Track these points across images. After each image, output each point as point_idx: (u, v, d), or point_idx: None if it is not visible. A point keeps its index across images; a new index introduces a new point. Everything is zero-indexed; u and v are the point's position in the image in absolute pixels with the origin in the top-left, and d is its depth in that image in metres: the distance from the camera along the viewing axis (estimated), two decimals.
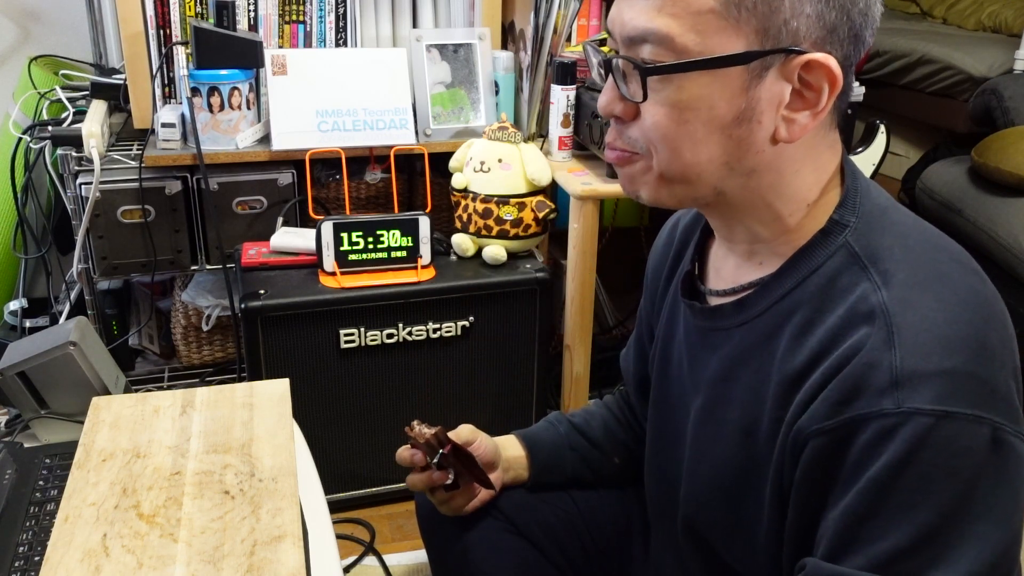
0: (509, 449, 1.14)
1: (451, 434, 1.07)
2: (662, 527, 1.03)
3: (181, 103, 1.90)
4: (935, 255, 0.76)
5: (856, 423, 0.70)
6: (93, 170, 1.77)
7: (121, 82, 1.92)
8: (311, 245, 1.72)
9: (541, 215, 1.77)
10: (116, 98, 1.95)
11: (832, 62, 0.72)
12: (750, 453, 0.81)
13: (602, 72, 0.81)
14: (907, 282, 0.73)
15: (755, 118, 0.74)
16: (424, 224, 1.73)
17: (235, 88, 1.79)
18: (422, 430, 1.01)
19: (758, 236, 0.82)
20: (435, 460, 1.02)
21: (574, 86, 1.83)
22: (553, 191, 1.92)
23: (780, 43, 0.71)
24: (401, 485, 1.08)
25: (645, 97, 0.74)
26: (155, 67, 1.86)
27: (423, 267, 1.75)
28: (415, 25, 2.03)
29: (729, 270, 0.88)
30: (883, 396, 0.69)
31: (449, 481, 1.05)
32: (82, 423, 0.93)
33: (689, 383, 0.92)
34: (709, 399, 0.87)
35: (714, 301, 0.89)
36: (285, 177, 1.90)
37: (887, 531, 0.68)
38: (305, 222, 1.90)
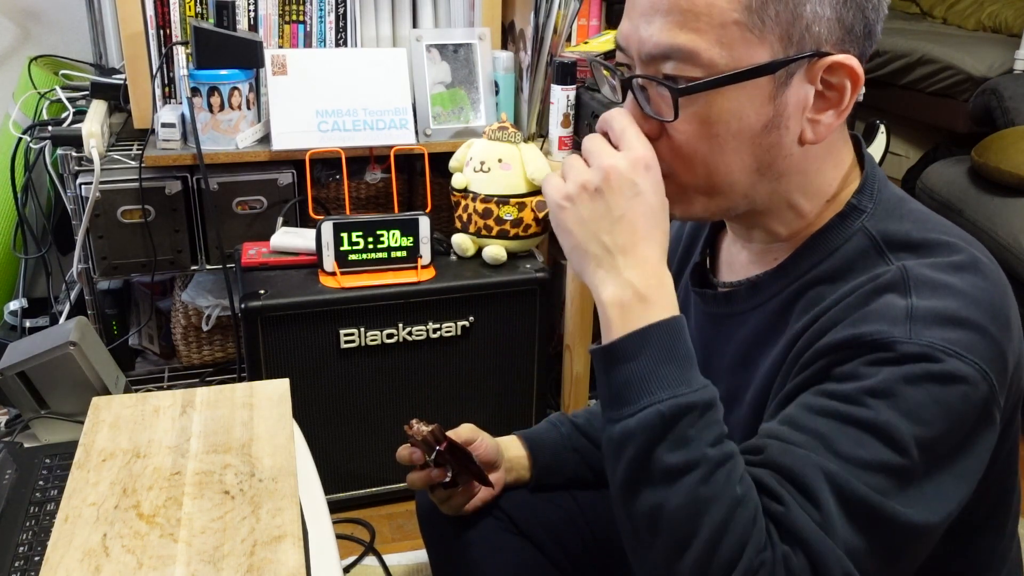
0: (511, 450, 1.14)
1: (451, 433, 1.06)
2: None
3: (181, 103, 1.90)
4: (952, 242, 0.76)
5: (861, 345, 0.70)
6: (93, 170, 1.77)
7: (121, 82, 1.92)
8: (311, 245, 1.72)
9: (541, 215, 1.77)
10: (116, 98, 1.95)
11: (854, 61, 0.73)
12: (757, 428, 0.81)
13: (615, 85, 0.80)
14: (924, 260, 0.74)
15: (783, 124, 0.74)
16: (424, 224, 1.73)
17: (235, 88, 1.79)
18: (420, 428, 1.01)
19: (777, 236, 0.82)
20: (432, 457, 1.02)
21: (574, 86, 1.83)
22: None
23: (804, 48, 0.72)
24: (401, 485, 1.08)
25: (676, 116, 0.73)
26: (155, 67, 1.86)
27: (423, 267, 1.75)
28: (415, 25, 2.03)
29: (742, 264, 0.88)
30: (895, 325, 0.69)
31: (447, 479, 1.05)
32: (82, 423, 0.92)
33: (703, 374, 0.92)
34: (731, 386, 0.87)
35: (725, 291, 0.89)
36: (285, 177, 1.90)
37: (866, 443, 0.68)
38: (305, 222, 1.90)
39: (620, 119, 0.75)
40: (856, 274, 0.76)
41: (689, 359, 0.71)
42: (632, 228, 0.72)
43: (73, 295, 2.09)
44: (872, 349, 0.69)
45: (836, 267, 0.78)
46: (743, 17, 0.70)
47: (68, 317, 1.97)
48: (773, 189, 0.78)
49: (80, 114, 1.91)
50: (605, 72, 0.83)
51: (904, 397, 0.67)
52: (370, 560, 1.72)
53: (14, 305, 2.09)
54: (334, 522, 0.96)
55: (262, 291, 1.65)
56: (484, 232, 1.78)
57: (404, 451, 1.06)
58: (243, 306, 1.62)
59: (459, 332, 1.75)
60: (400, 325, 1.71)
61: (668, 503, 0.67)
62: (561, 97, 1.82)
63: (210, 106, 1.79)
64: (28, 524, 0.89)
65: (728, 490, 0.67)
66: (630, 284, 0.71)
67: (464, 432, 1.08)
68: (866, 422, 0.68)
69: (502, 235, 1.77)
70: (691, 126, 0.74)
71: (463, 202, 1.79)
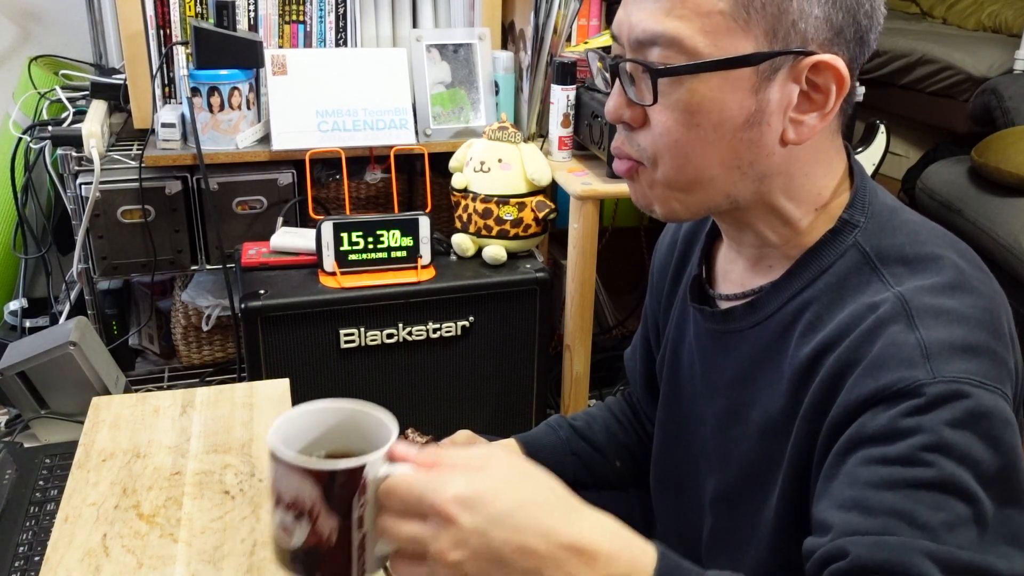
0: None
1: (448, 440, 1.06)
2: (673, 529, 1.02)
3: (181, 103, 1.90)
4: (943, 255, 0.76)
5: (888, 397, 0.68)
6: (93, 170, 1.77)
7: (121, 82, 1.92)
8: (311, 245, 1.72)
9: (541, 215, 1.77)
10: (116, 98, 1.95)
11: (840, 63, 0.72)
12: (769, 452, 0.81)
13: (607, 77, 0.80)
14: (919, 278, 0.74)
15: (764, 120, 0.74)
16: (424, 224, 1.73)
17: (235, 88, 1.79)
18: (415, 439, 1.01)
19: (767, 241, 0.82)
20: None
21: (574, 86, 1.83)
22: (553, 191, 1.92)
23: (789, 45, 0.72)
24: None
25: (655, 100, 0.74)
26: (155, 67, 1.86)
27: (423, 267, 1.75)
28: (415, 25, 2.03)
29: (738, 274, 0.88)
30: (915, 368, 0.68)
31: None
32: (82, 423, 0.93)
33: (702, 387, 0.91)
34: (731, 402, 0.86)
35: (724, 305, 0.88)
36: (285, 177, 1.90)
37: (942, 503, 0.65)
38: (305, 222, 1.90)
39: (397, 496, 0.59)
40: (852, 292, 0.76)
41: None
42: (530, 552, 0.58)
43: (73, 295, 2.09)
44: (901, 399, 0.67)
45: (831, 284, 0.77)
46: (728, 7, 0.70)
47: (68, 317, 1.97)
48: (755, 189, 0.78)
49: (80, 114, 1.91)
50: (598, 63, 0.83)
51: (954, 444, 0.65)
52: None
53: (14, 305, 2.09)
54: None
55: (262, 291, 1.65)
56: (484, 232, 1.78)
57: None
58: (243, 306, 1.62)
59: (459, 332, 1.75)
60: (400, 325, 1.71)
61: None
62: (561, 97, 1.82)
63: (210, 106, 1.79)
64: (28, 524, 0.89)
65: None
66: None
67: (460, 438, 1.08)
68: (935, 482, 0.65)
69: (502, 235, 1.77)
70: (673, 114, 0.74)
71: (463, 202, 1.79)
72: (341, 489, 0.57)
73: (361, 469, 0.58)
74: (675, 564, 0.62)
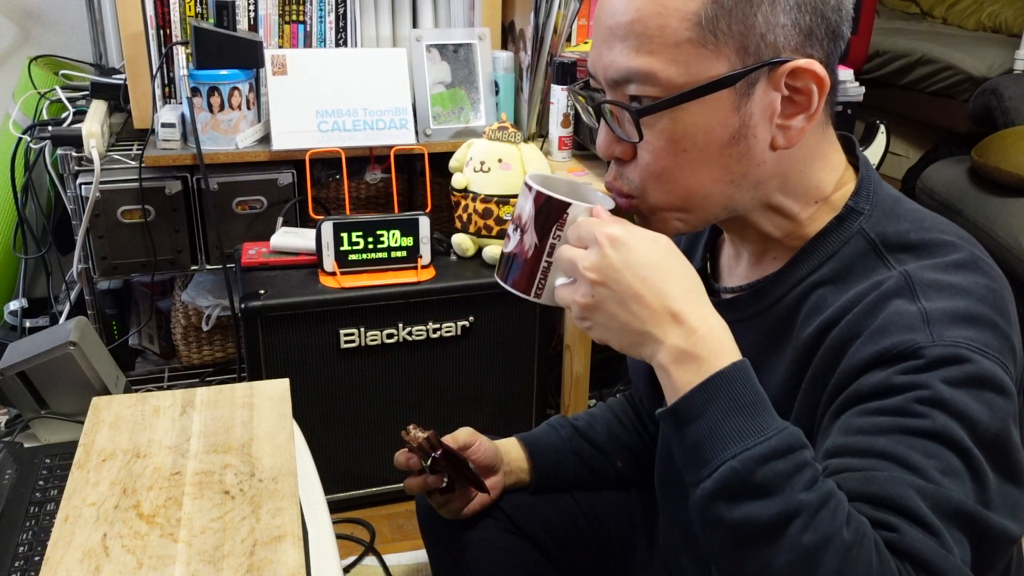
0: (510, 453, 1.14)
1: (449, 437, 1.07)
2: (678, 526, 1.02)
3: (181, 103, 1.90)
4: (949, 240, 0.77)
5: (889, 359, 0.68)
6: (93, 170, 1.77)
7: (121, 82, 1.92)
8: (311, 245, 1.72)
9: None
10: (116, 98, 1.95)
11: (815, 65, 0.73)
12: None
13: (591, 113, 0.81)
14: (924, 261, 0.75)
15: (750, 133, 0.74)
16: (424, 224, 1.73)
17: (235, 88, 1.79)
18: (416, 434, 1.01)
19: (769, 236, 0.82)
20: (428, 464, 1.03)
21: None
22: None
23: (761, 57, 0.72)
24: (401, 485, 1.08)
25: (641, 137, 0.75)
26: (155, 67, 1.86)
27: (423, 267, 1.75)
28: (415, 25, 2.03)
29: (742, 268, 0.88)
30: (915, 332, 0.68)
31: (443, 485, 1.05)
32: (82, 423, 0.93)
33: None
34: None
35: (728, 297, 0.89)
36: (285, 177, 1.90)
37: (934, 451, 0.65)
38: (305, 222, 1.90)
39: (576, 226, 0.74)
40: (856, 277, 0.76)
41: (758, 404, 0.67)
42: (644, 302, 0.70)
43: (73, 295, 2.09)
44: (900, 360, 0.68)
45: (836, 270, 0.78)
46: (695, 34, 0.71)
47: (68, 317, 1.97)
48: (752, 196, 0.78)
49: (80, 114, 1.91)
50: (580, 98, 0.84)
51: (950, 400, 0.66)
52: (370, 560, 1.72)
53: (14, 305, 2.09)
54: (334, 522, 0.96)
55: (262, 291, 1.65)
56: (484, 232, 1.78)
57: (401, 456, 1.06)
58: (243, 306, 1.62)
59: (459, 332, 1.75)
60: (400, 325, 1.71)
61: (775, 562, 0.62)
62: (561, 97, 1.82)
63: (210, 106, 1.79)
64: (28, 524, 0.89)
65: (836, 533, 0.61)
66: (675, 349, 0.69)
67: (462, 436, 1.08)
68: (927, 431, 0.65)
69: (502, 235, 1.77)
70: (660, 144, 0.75)
71: (463, 202, 1.79)
72: (547, 216, 0.75)
73: (566, 206, 0.75)
74: (750, 375, 0.69)
